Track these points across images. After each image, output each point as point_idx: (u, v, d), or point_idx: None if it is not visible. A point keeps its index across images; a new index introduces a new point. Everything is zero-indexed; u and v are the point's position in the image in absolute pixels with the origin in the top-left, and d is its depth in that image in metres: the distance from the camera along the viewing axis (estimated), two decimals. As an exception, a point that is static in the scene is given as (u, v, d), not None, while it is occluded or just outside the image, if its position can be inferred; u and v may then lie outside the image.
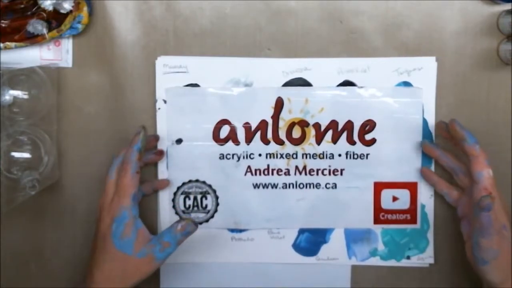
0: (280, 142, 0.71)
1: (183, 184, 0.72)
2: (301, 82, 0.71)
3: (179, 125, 0.71)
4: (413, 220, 0.72)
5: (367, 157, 0.71)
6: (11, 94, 0.67)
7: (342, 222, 0.72)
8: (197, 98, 0.70)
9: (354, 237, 0.73)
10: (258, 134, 0.71)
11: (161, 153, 0.71)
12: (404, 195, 0.72)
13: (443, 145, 0.70)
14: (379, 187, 0.72)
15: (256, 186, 0.72)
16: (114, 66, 0.71)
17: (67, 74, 0.71)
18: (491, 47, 0.70)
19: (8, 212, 0.68)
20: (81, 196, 0.72)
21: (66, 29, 0.68)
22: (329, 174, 0.71)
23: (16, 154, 0.68)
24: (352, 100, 0.70)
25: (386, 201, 0.72)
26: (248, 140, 0.71)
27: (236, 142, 0.71)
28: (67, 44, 0.71)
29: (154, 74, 0.70)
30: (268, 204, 0.72)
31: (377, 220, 0.72)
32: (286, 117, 0.71)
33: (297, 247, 0.73)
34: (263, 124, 0.71)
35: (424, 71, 0.70)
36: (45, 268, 0.73)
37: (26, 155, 0.69)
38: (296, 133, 0.71)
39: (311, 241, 0.73)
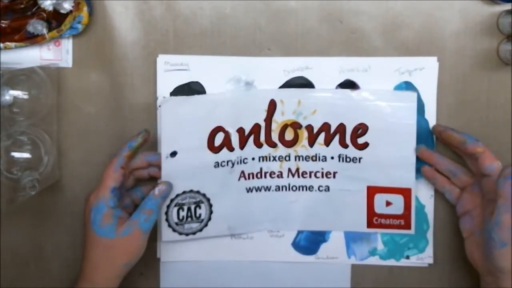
0: (273, 145, 0.71)
1: (177, 196, 0.70)
2: (302, 81, 0.71)
3: (174, 136, 0.70)
4: (407, 226, 0.71)
5: (359, 161, 0.70)
6: (11, 94, 0.67)
7: (335, 224, 0.72)
8: (190, 106, 0.70)
9: (353, 237, 0.72)
10: (251, 138, 0.70)
11: None
12: (397, 201, 0.71)
13: (444, 147, 0.71)
14: (372, 191, 0.71)
15: (249, 190, 0.71)
16: (114, 66, 0.71)
17: (67, 74, 0.71)
18: (491, 47, 0.70)
19: (8, 212, 0.69)
20: (81, 196, 0.71)
21: (66, 29, 0.68)
22: (322, 176, 0.71)
23: (16, 154, 0.69)
24: (345, 102, 0.70)
25: (380, 206, 0.71)
26: (242, 145, 0.70)
27: (231, 149, 0.70)
28: (67, 44, 0.71)
29: (154, 74, 0.70)
30: (261, 207, 0.71)
31: (370, 224, 0.72)
32: (278, 119, 0.70)
33: (296, 245, 0.73)
34: (256, 128, 0.70)
35: (425, 71, 0.70)
36: (45, 268, 0.73)
37: (26, 155, 0.69)
38: (289, 135, 0.71)
39: (310, 240, 0.73)
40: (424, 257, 0.72)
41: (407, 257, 0.72)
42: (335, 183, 0.71)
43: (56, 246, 0.73)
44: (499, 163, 0.64)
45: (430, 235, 0.72)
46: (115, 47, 0.71)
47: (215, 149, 0.70)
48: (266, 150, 0.71)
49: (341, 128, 0.70)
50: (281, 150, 0.71)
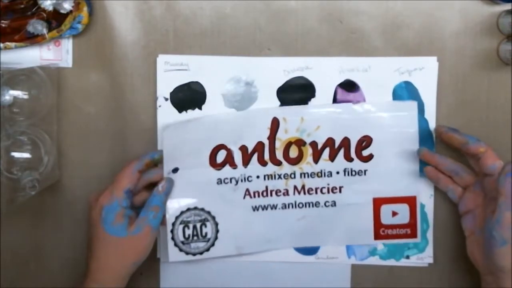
0: (278, 163, 0.70)
1: (181, 213, 0.70)
2: (302, 81, 0.71)
3: (176, 153, 0.69)
4: (413, 234, 0.71)
5: (365, 173, 0.70)
6: (11, 94, 0.67)
7: (343, 239, 0.72)
8: (192, 125, 0.70)
9: (353, 237, 0.73)
10: (255, 156, 0.70)
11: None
12: (403, 210, 0.71)
13: (444, 146, 0.70)
14: (378, 202, 0.71)
15: (255, 208, 0.71)
16: (114, 66, 0.71)
17: (67, 74, 0.71)
18: (491, 47, 0.70)
19: (8, 212, 0.69)
20: (81, 196, 0.71)
21: (66, 29, 0.68)
22: (328, 192, 0.71)
23: (16, 154, 0.69)
24: (347, 116, 0.70)
25: (386, 216, 0.71)
26: (245, 162, 0.70)
27: (233, 166, 0.70)
28: (67, 44, 0.70)
29: (154, 74, 0.70)
30: (268, 226, 0.71)
31: (377, 236, 0.72)
32: (282, 137, 0.70)
33: (296, 246, 0.73)
34: (259, 146, 0.70)
35: (425, 71, 0.70)
36: (45, 268, 0.73)
37: (26, 155, 0.69)
38: (293, 152, 0.70)
39: (310, 240, 0.73)
40: (424, 257, 0.72)
41: (407, 257, 0.72)
42: (341, 198, 0.71)
43: (56, 246, 0.73)
44: (501, 162, 0.64)
45: (430, 235, 0.72)
46: (115, 47, 0.71)
47: (217, 166, 0.70)
48: (271, 168, 0.70)
49: (346, 142, 0.70)
50: (286, 168, 0.71)
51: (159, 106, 0.71)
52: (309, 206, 0.71)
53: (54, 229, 0.73)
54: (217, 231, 0.70)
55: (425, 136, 0.70)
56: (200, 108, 0.71)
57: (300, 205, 0.71)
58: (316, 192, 0.71)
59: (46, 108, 0.69)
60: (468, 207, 0.67)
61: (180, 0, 0.70)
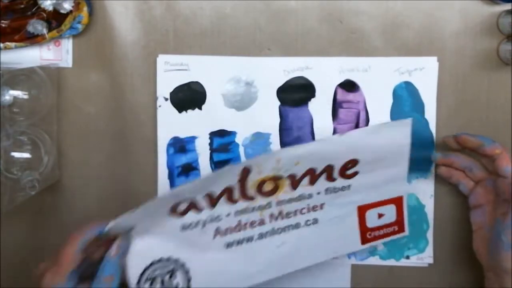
0: (250, 198, 0.62)
1: (145, 270, 0.59)
2: (302, 81, 0.71)
3: (125, 224, 0.58)
4: (401, 229, 0.69)
5: (349, 188, 0.66)
6: (11, 94, 0.67)
7: (329, 253, 0.68)
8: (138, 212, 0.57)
9: (353, 237, 0.72)
10: (223, 198, 0.61)
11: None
12: (390, 210, 0.69)
13: (443, 147, 0.70)
14: (363, 209, 0.68)
15: (228, 245, 0.63)
16: (114, 66, 0.71)
17: (67, 74, 0.71)
18: (491, 47, 0.70)
19: (8, 212, 0.69)
20: (81, 196, 0.72)
21: (66, 29, 0.68)
22: (309, 211, 0.65)
23: (16, 154, 0.69)
24: (332, 147, 0.62)
25: (372, 220, 0.68)
26: (212, 205, 0.61)
27: (198, 210, 0.60)
28: (67, 44, 0.71)
29: (154, 74, 0.70)
30: (246, 261, 0.64)
31: (364, 240, 0.69)
32: (255, 177, 0.61)
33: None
34: (227, 190, 0.60)
35: (425, 71, 0.70)
36: (45, 268, 0.73)
37: (26, 155, 0.69)
38: (268, 186, 0.62)
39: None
40: (424, 257, 0.72)
41: (407, 257, 0.72)
42: (323, 214, 0.66)
43: (56, 246, 0.72)
44: None
45: (430, 235, 0.72)
46: (115, 47, 0.71)
47: (178, 214, 0.60)
48: (242, 204, 0.62)
49: (329, 168, 0.64)
50: (260, 201, 0.63)
51: (159, 106, 0.71)
52: (288, 229, 0.65)
53: (54, 229, 0.73)
54: (189, 279, 0.61)
55: (425, 137, 0.70)
56: (200, 108, 0.71)
57: (279, 231, 0.65)
58: (296, 214, 0.65)
59: (46, 108, 0.69)
60: (479, 201, 0.67)
61: (180, 0, 0.70)
